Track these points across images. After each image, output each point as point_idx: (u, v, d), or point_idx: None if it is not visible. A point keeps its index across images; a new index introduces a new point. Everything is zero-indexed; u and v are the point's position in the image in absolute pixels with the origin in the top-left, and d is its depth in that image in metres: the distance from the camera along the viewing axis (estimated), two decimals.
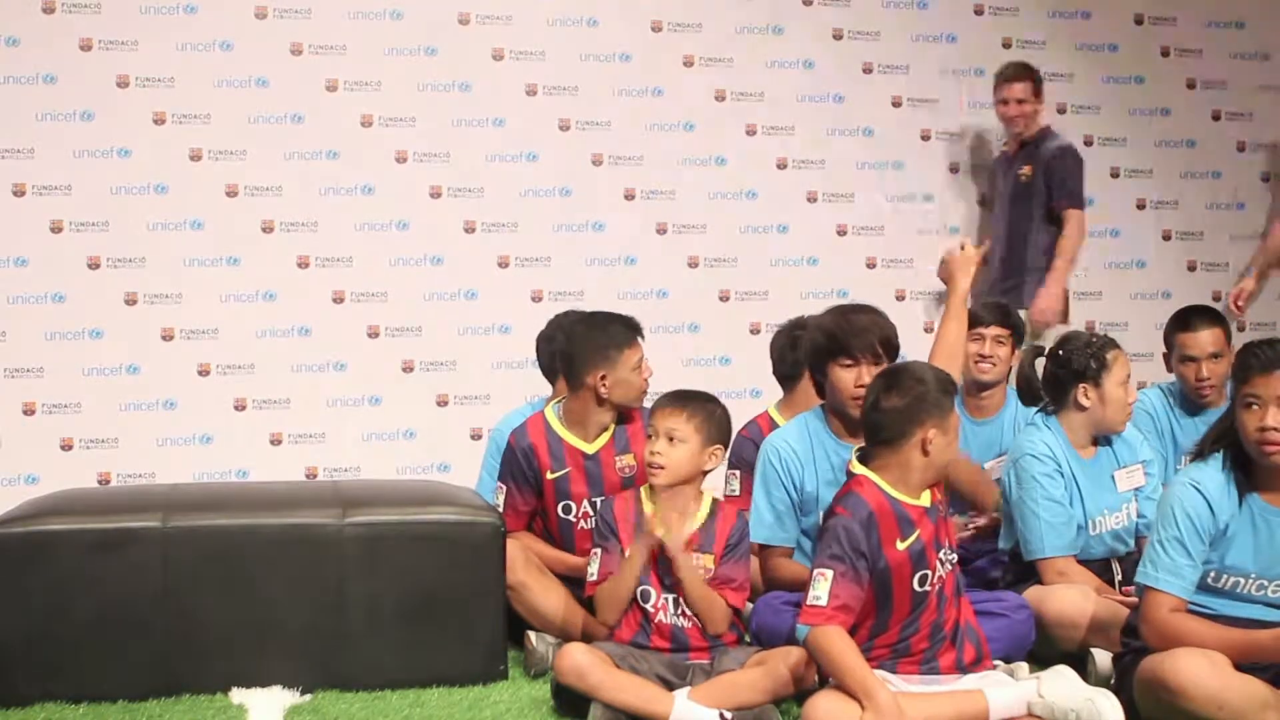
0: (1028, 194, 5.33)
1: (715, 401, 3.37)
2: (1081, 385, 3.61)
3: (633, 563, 3.20)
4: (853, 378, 3.38)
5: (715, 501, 3.36)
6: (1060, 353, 3.68)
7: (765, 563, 3.49)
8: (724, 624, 3.21)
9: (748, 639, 3.39)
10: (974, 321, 4.21)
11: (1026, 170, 5.34)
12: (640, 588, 3.22)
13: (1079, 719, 2.83)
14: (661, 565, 3.22)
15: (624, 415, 3.76)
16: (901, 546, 2.95)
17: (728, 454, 3.43)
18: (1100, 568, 3.61)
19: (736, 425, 3.55)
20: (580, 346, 3.68)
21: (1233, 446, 2.92)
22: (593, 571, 3.27)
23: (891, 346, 3.42)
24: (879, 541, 2.94)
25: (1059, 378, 3.66)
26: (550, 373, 4.16)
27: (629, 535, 3.25)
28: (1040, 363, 3.75)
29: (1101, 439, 3.69)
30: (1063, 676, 2.93)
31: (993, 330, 4.15)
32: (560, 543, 3.77)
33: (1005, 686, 2.95)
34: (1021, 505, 3.60)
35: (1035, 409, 3.75)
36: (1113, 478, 3.65)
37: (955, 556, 3.06)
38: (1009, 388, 4.17)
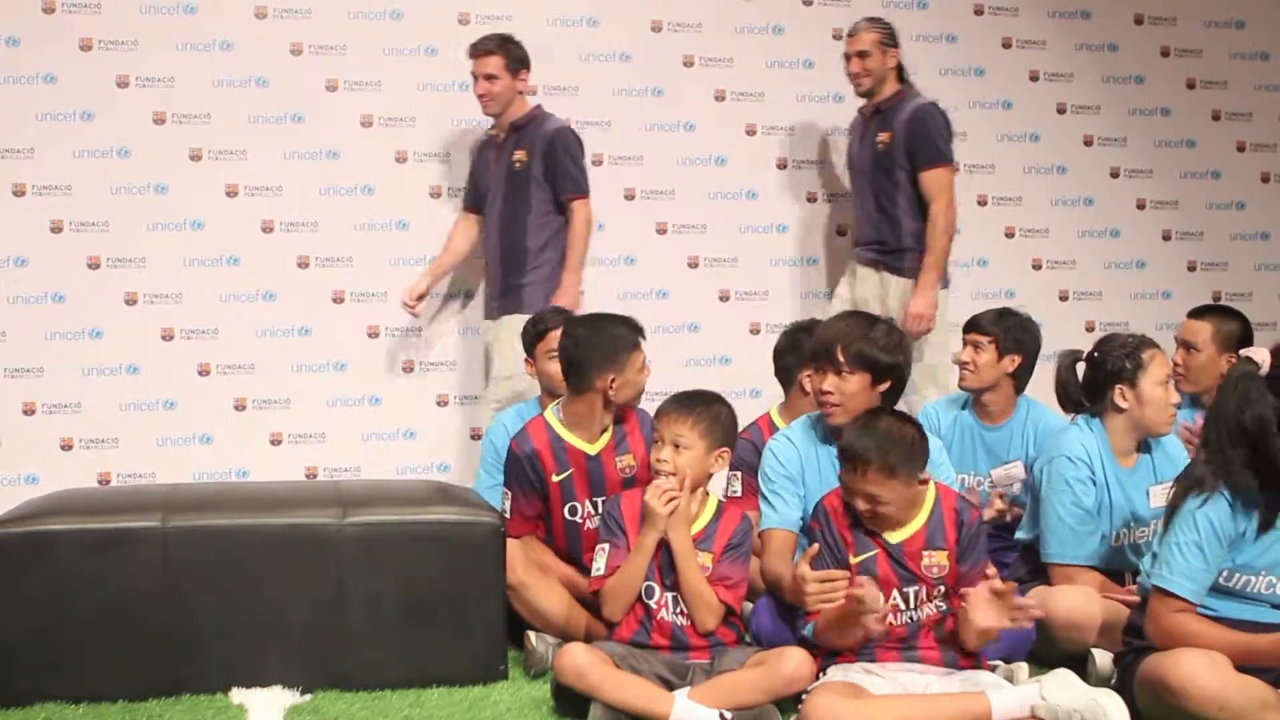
0: (525, 181, 4.80)
1: (720, 402, 3.38)
2: (1118, 386, 3.58)
3: (641, 553, 3.21)
4: (816, 382, 3.44)
5: (720, 503, 3.37)
6: (1096, 355, 3.66)
7: (764, 547, 3.47)
8: (713, 620, 3.20)
9: (747, 639, 3.40)
10: (963, 328, 4.21)
11: (520, 155, 4.80)
12: (644, 583, 3.23)
13: (1082, 719, 2.83)
14: (665, 561, 3.22)
15: (619, 415, 3.77)
16: (855, 559, 3.08)
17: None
18: (1110, 576, 3.59)
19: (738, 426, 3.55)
20: (590, 351, 3.67)
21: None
22: (599, 567, 3.28)
23: (863, 358, 3.35)
24: (843, 547, 3.09)
25: (1096, 380, 3.63)
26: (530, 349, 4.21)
27: (636, 532, 3.26)
28: (1081, 368, 3.72)
29: (1144, 448, 3.65)
30: (1065, 679, 2.92)
31: (971, 336, 4.10)
32: (567, 545, 3.77)
33: (1007, 689, 2.96)
34: (1047, 505, 3.59)
35: (1071, 416, 3.73)
36: (1148, 492, 3.60)
37: (928, 598, 3.09)
38: (1024, 396, 4.15)
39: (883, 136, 4.91)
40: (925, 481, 3.10)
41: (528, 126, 4.83)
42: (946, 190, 4.85)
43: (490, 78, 4.77)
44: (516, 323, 4.56)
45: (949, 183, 4.87)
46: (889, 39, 4.93)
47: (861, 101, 5.06)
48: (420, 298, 4.95)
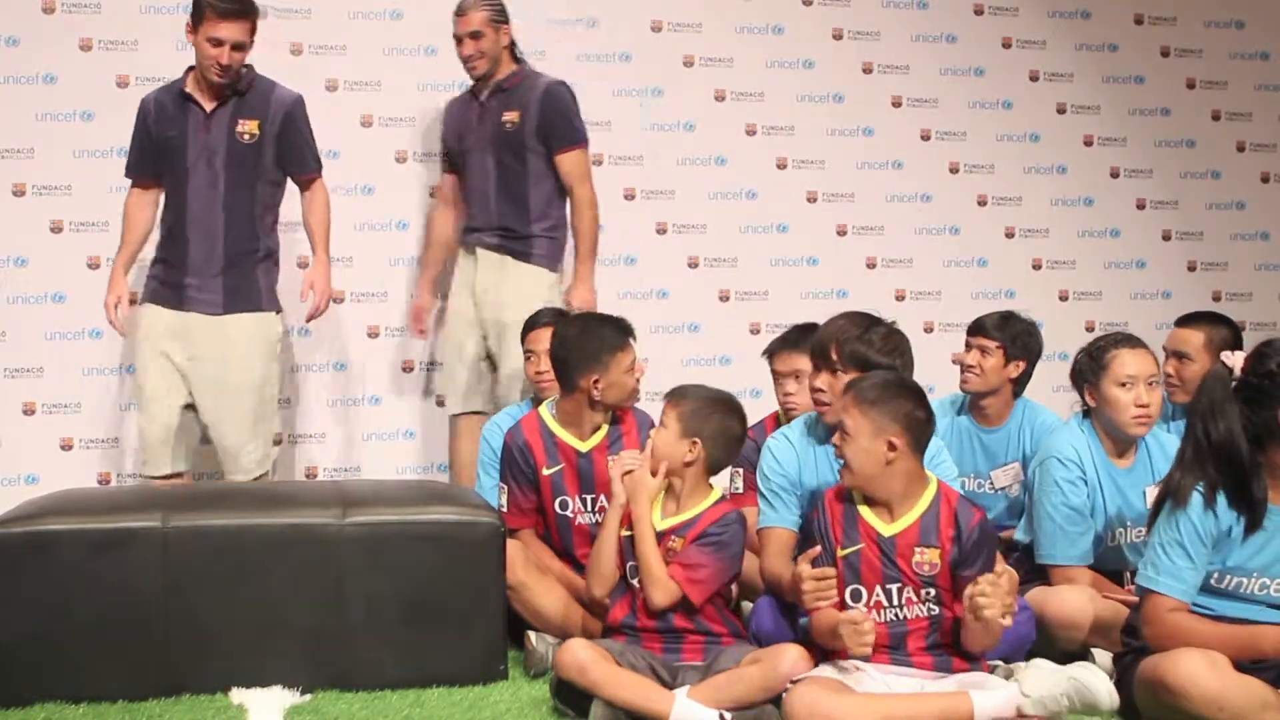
0: (255, 158, 4.25)
1: (717, 402, 3.34)
2: (1085, 386, 3.60)
3: (605, 527, 3.29)
4: (812, 379, 3.44)
5: (720, 498, 3.35)
6: (1078, 353, 3.68)
7: (763, 546, 3.45)
8: (661, 598, 3.17)
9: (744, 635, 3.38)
10: (968, 331, 4.21)
11: (251, 127, 4.23)
12: (629, 563, 3.26)
13: (1070, 701, 2.84)
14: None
15: (616, 415, 3.78)
16: (842, 552, 3.06)
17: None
18: (1109, 576, 3.59)
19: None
20: (573, 351, 3.69)
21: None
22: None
23: (856, 357, 3.31)
24: (832, 540, 3.07)
25: (1072, 381, 3.65)
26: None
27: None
28: None
29: (1142, 447, 3.63)
30: (1039, 669, 2.93)
31: (977, 340, 4.09)
32: (560, 540, 3.78)
33: (990, 689, 2.93)
34: (1039, 507, 3.59)
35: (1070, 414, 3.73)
36: (1144, 492, 3.57)
37: (916, 597, 3.03)
38: (1022, 397, 4.15)
39: (510, 116, 4.58)
40: (895, 448, 3.00)
41: (250, 94, 4.23)
42: (588, 173, 4.62)
43: (241, 47, 4.13)
44: (262, 322, 4.29)
45: (589, 164, 4.64)
46: (500, 15, 4.62)
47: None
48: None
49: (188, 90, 4.22)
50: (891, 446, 3.01)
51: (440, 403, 5.25)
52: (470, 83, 4.74)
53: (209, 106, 4.21)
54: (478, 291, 4.66)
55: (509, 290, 4.60)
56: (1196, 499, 2.87)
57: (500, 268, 4.63)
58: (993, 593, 2.88)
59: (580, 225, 4.63)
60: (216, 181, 4.21)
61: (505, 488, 3.78)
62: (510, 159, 4.60)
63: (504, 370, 4.66)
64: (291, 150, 4.31)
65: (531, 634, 3.50)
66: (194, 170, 4.21)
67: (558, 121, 4.59)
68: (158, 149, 4.24)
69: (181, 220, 4.24)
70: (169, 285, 4.25)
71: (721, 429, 3.31)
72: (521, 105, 4.59)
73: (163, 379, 4.23)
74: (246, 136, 4.21)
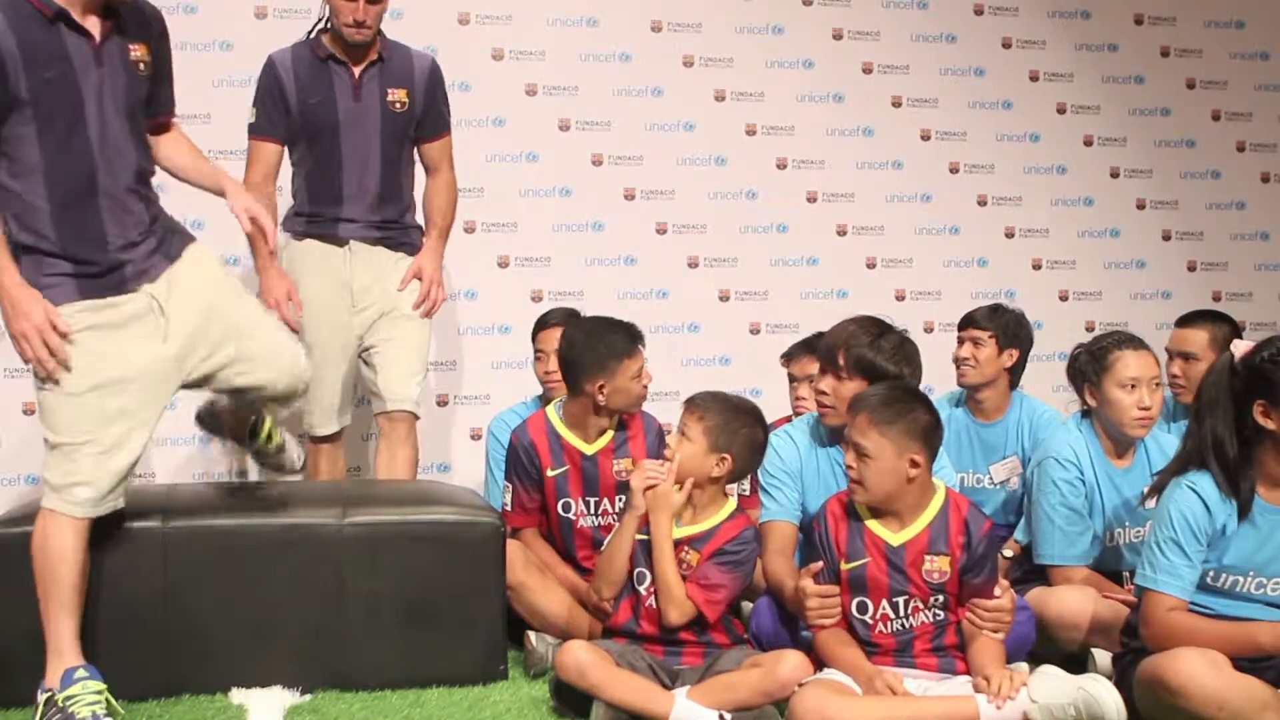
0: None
1: (742, 412, 3.28)
2: (1086, 386, 3.60)
3: (620, 534, 3.25)
4: (817, 382, 3.43)
5: (735, 511, 3.30)
6: (1075, 352, 3.67)
7: (765, 541, 3.43)
8: (676, 615, 3.16)
9: (746, 638, 3.39)
10: (959, 325, 4.21)
11: None
12: (636, 569, 3.24)
13: (1078, 712, 2.83)
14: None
15: (622, 419, 3.78)
16: (846, 566, 3.04)
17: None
18: (1108, 576, 3.59)
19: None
20: (580, 355, 3.68)
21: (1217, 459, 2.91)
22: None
23: (862, 363, 3.30)
24: (835, 554, 3.05)
25: (1072, 379, 3.65)
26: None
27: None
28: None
29: (1141, 447, 3.62)
30: (1049, 675, 2.92)
31: (969, 332, 4.11)
32: (561, 542, 3.78)
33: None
34: (1038, 507, 3.59)
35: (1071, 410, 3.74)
36: (1142, 492, 3.51)
37: (923, 606, 3.03)
38: (1018, 391, 4.16)
39: (398, 95, 4.10)
40: (917, 464, 2.98)
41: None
42: (451, 156, 4.28)
43: None
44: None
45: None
46: None
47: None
48: None
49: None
50: (914, 464, 3.00)
51: (441, 402, 5.25)
52: (305, 39, 4.30)
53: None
54: (355, 290, 4.15)
55: (395, 284, 4.17)
56: (1188, 493, 2.88)
57: (377, 261, 4.17)
58: (991, 616, 2.97)
59: (444, 204, 4.25)
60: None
61: (510, 486, 3.78)
62: (393, 143, 4.14)
63: (397, 353, 4.19)
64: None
65: (531, 634, 3.50)
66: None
67: (442, 107, 4.23)
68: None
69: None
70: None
71: (750, 441, 3.27)
72: (406, 84, 4.14)
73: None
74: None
